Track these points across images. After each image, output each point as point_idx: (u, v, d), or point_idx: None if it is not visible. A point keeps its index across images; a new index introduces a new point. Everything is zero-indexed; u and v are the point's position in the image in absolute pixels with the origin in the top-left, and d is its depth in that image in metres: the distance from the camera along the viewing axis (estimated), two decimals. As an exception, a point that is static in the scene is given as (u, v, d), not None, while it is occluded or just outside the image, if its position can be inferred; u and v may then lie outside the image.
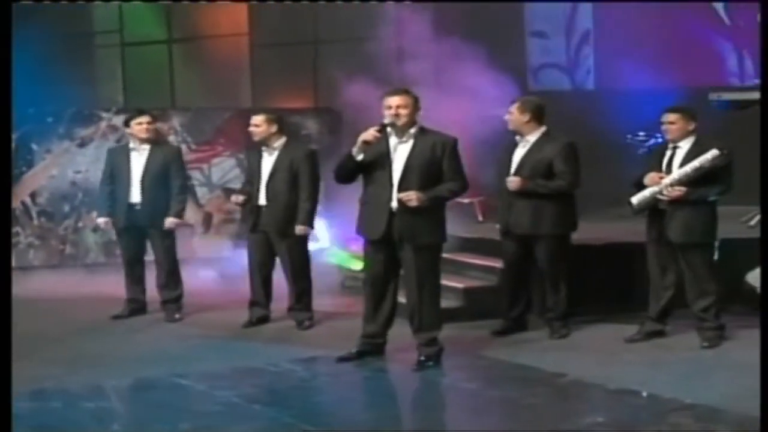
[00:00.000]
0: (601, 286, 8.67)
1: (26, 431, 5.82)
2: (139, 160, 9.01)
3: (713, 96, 10.30)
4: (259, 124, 8.60)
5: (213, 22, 14.79)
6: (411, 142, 7.05)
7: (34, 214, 12.02)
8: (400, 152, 7.05)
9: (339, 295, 9.78)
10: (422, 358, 7.04)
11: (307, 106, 13.69)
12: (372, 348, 7.28)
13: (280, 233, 8.45)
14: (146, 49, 15.15)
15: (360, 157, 7.04)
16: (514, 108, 7.94)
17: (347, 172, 7.18)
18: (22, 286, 9.01)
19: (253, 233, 8.60)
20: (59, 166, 12.21)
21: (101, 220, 9.24)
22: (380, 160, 7.06)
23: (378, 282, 7.19)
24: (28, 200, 11.87)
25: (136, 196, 8.97)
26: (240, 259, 12.01)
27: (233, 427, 5.72)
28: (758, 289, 8.44)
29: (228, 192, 12.84)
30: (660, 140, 11.20)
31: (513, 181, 7.82)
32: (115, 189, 9.10)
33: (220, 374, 6.93)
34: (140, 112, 9.31)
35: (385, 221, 7.00)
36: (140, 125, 9.05)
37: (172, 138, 12.01)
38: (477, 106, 10.65)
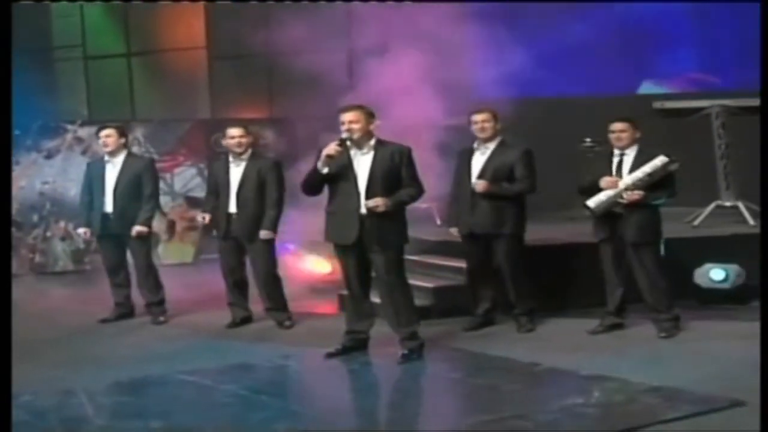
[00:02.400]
0: (559, 283, 9.25)
1: (52, 425, 6.30)
2: (112, 171, 9.44)
3: (657, 104, 10.98)
4: (244, 135, 9.03)
5: (171, 36, 15.19)
6: (371, 154, 7.61)
7: (4, 224, 12.33)
8: (363, 163, 7.60)
9: (310, 297, 10.19)
10: (406, 351, 7.58)
11: (263, 116, 14.14)
12: (356, 343, 7.81)
13: (249, 239, 8.95)
14: (107, 63, 15.51)
15: (325, 171, 7.57)
16: (488, 117, 8.50)
17: (314, 185, 7.73)
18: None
19: (225, 240, 9.05)
20: (27, 177, 12.59)
21: (81, 230, 9.69)
22: (344, 171, 7.60)
23: (355, 282, 7.75)
24: (-3, 211, 12.16)
25: (109, 206, 9.39)
26: (203, 264, 12.54)
27: (249, 415, 6.21)
28: (703, 286, 9.18)
29: (190, 200, 13.33)
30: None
31: (480, 184, 8.40)
32: (92, 200, 9.51)
33: (220, 370, 7.39)
34: (104, 126, 9.73)
35: (357, 227, 7.54)
36: (100, 139, 9.52)
37: (135, 149, 12.40)
38: (430, 116, 11.16)
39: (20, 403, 6.56)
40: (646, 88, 12.88)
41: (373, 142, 7.60)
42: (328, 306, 9.80)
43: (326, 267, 10.74)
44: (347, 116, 7.54)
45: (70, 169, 12.76)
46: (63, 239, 12.81)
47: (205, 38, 14.91)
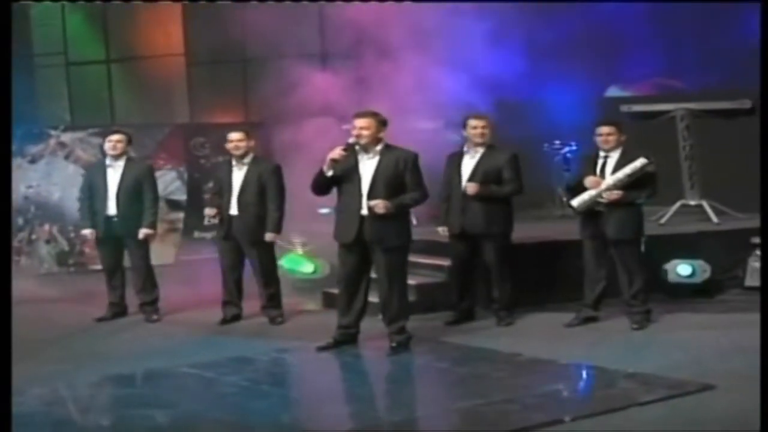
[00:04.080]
0: (534, 280, 9.68)
1: (66, 415, 6.66)
2: (114, 175, 9.75)
3: (624, 108, 11.40)
4: (242, 139, 9.38)
5: (149, 43, 15.53)
6: (377, 158, 8.01)
7: (-11, 228, 12.61)
8: (368, 167, 8.01)
9: (293, 295, 10.51)
10: (394, 344, 8.01)
11: (239, 121, 14.51)
12: (347, 338, 8.21)
13: (250, 240, 9.31)
14: (88, 69, 15.83)
15: (330, 173, 7.98)
16: (486, 122, 8.96)
17: (320, 186, 8.15)
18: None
19: (225, 240, 9.42)
20: (12, 182, 12.82)
21: (86, 232, 9.91)
22: (350, 174, 8.02)
23: (351, 279, 8.14)
24: (-17, 214, 12.44)
25: (112, 208, 9.71)
26: (183, 265, 12.88)
27: (253, 403, 6.61)
28: (671, 281, 9.65)
29: (170, 203, 13.67)
30: (574, 148, 12.35)
31: (471, 187, 8.83)
32: (93, 202, 9.81)
33: (219, 364, 7.75)
34: (112, 131, 10.07)
35: (356, 227, 7.96)
36: (110, 143, 9.81)
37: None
38: (405, 121, 11.51)
39: (33, 395, 6.97)
40: (612, 92, 13.33)
41: (380, 147, 7.99)
42: (312, 303, 10.18)
43: (309, 266, 11.11)
44: (359, 122, 7.94)
45: (54, 173, 13.13)
46: (48, 242, 13.15)
47: (183, 45, 15.25)
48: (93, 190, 9.83)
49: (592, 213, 8.61)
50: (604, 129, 8.67)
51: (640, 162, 8.45)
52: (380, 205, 7.84)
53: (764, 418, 5.47)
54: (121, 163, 9.77)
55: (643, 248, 8.75)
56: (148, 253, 9.94)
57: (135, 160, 10.21)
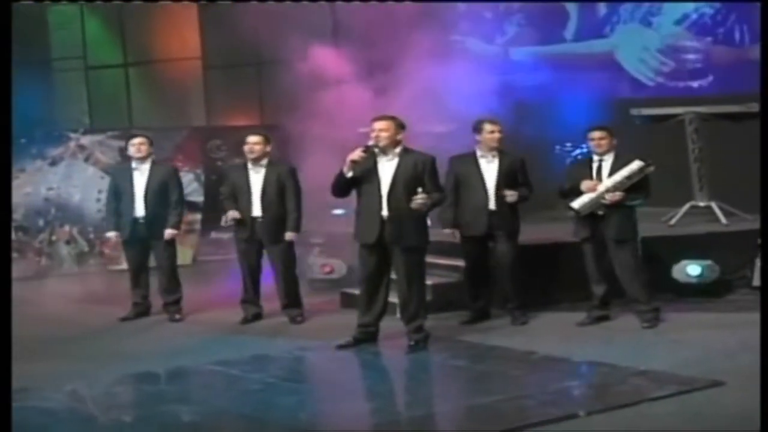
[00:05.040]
0: (547, 280, 9.91)
1: (100, 411, 6.91)
2: (140, 178, 9.98)
3: (634, 112, 11.60)
4: (258, 143, 9.61)
5: (166, 47, 15.76)
6: (396, 160, 8.24)
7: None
8: (387, 169, 8.24)
9: (310, 295, 10.65)
10: (412, 342, 8.24)
11: (254, 123, 14.71)
12: (366, 336, 8.44)
13: (272, 240, 9.54)
14: (106, 73, 16.08)
15: (350, 175, 8.21)
16: (501, 127, 9.19)
17: (341, 187, 8.38)
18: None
19: (247, 242, 9.65)
20: (33, 184, 13.16)
21: (111, 234, 10.19)
22: (369, 176, 8.25)
23: (372, 279, 8.37)
24: (5, 216, 12.70)
25: (140, 210, 9.94)
26: (201, 266, 13.14)
27: (281, 399, 6.84)
28: (680, 281, 9.86)
29: (188, 205, 13.86)
30: (585, 150, 12.53)
31: (512, 195, 9.08)
32: (119, 205, 10.04)
33: (244, 361, 7.98)
34: (135, 134, 10.30)
35: (378, 227, 8.20)
36: (133, 146, 10.05)
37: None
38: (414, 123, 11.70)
39: (59, 393, 7.19)
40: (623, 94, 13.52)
41: (398, 150, 8.23)
42: (330, 303, 10.38)
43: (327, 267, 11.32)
44: (378, 125, 8.18)
45: (74, 175, 13.40)
46: (68, 243, 13.41)
47: (200, 49, 15.47)
48: (119, 193, 10.04)
49: (587, 216, 8.81)
50: (596, 134, 8.92)
51: (636, 164, 8.68)
52: (419, 200, 8.02)
53: (764, 417, 5.65)
54: (146, 166, 10.00)
55: (639, 249, 8.98)
56: (174, 253, 10.16)
57: (159, 163, 10.42)
